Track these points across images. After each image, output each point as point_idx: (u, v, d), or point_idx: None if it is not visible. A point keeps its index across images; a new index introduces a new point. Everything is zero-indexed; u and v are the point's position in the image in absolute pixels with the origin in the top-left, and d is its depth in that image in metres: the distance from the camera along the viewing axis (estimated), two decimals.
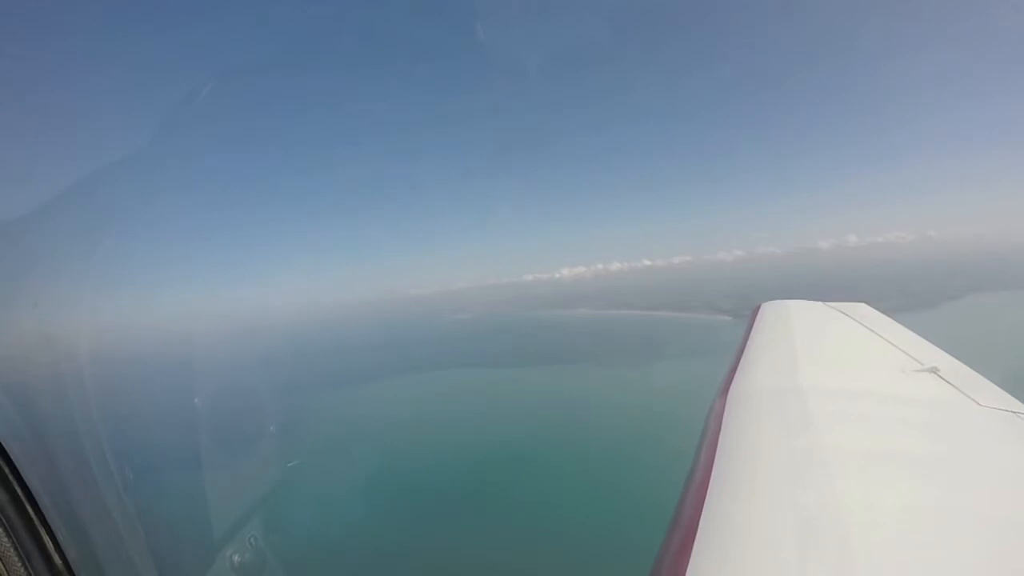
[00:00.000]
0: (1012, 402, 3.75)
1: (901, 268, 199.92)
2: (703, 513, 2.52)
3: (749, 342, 5.59)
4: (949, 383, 4.11)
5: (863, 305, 6.83)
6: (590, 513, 35.15)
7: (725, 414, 3.76)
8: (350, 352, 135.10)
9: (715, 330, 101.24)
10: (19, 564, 2.05)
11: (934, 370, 4.35)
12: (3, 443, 2.16)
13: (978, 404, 3.70)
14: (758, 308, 6.90)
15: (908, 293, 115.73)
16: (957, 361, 4.67)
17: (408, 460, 49.87)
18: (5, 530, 2.07)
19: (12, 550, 2.06)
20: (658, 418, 48.08)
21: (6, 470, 2.15)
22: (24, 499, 2.17)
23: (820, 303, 7.10)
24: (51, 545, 2.19)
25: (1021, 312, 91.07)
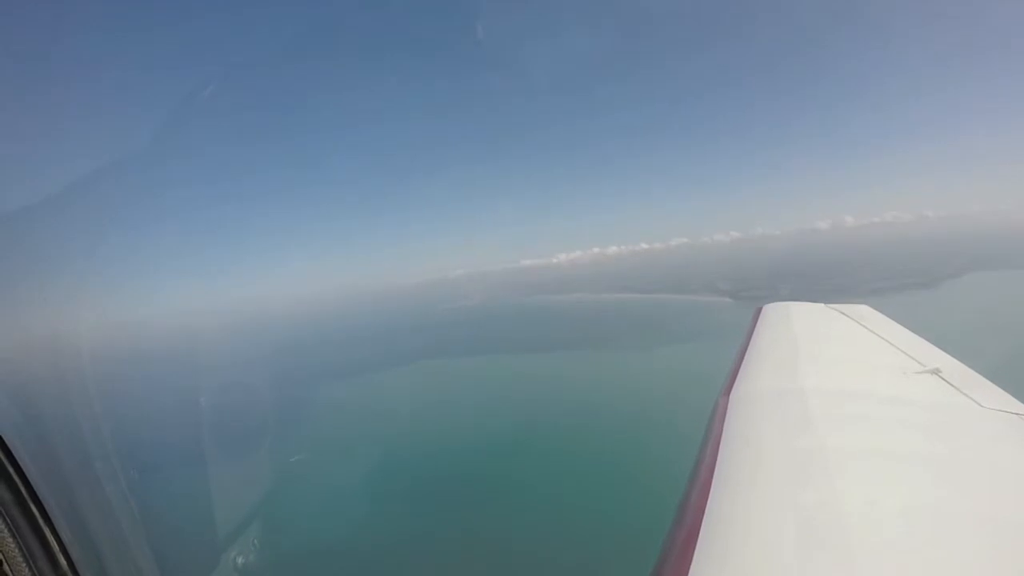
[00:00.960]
0: (1014, 403, 3.76)
1: (900, 248, 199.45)
2: (706, 512, 2.55)
3: (751, 343, 5.62)
4: (951, 384, 4.12)
5: (864, 306, 6.84)
6: (596, 505, 34.91)
7: (728, 415, 3.79)
8: (351, 343, 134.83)
9: (716, 312, 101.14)
10: (24, 565, 2.05)
11: (936, 371, 4.36)
12: (8, 443, 2.16)
13: (980, 406, 3.71)
14: (760, 310, 6.95)
15: (908, 272, 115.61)
16: (958, 362, 4.66)
17: (414, 451, 49.73)
18: (10, 531, 2.06)
19: (17, 551, 2.06)
20: (663, 404, 48.01)
21: (10, 470, 2.14)
22: (29, 499, 2.16)
23: (821, 305, 7.10)
24: (56, 545, 2.18)
25: (1022, 290, 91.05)
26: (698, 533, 2.39)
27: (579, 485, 38.43)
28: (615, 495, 35.33)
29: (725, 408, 3.90)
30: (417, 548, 32.62)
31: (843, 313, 6.57)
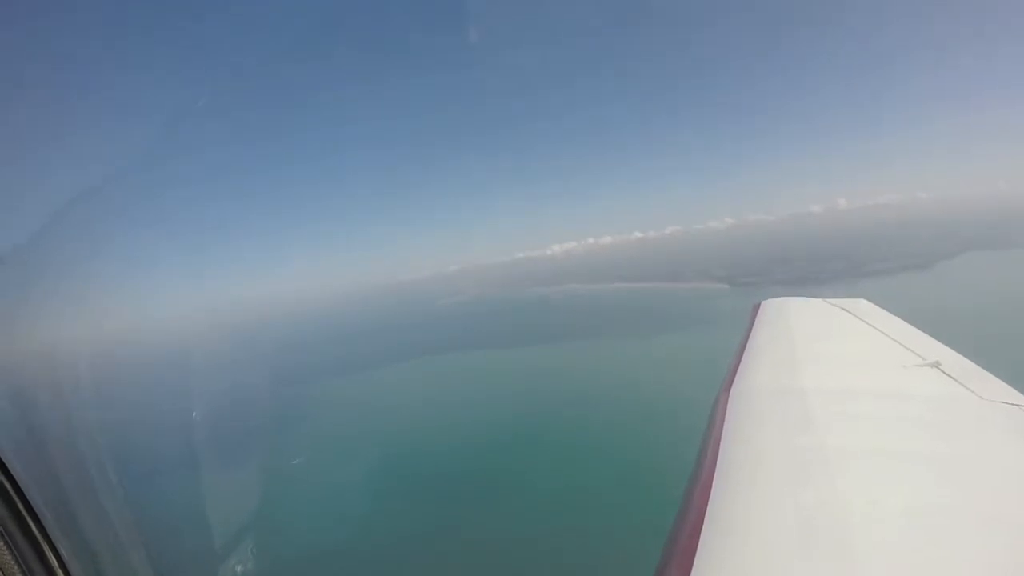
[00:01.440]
0: (1014, 395, 3.74)
1: (894, 230, 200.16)
2: (707, 510, 2.55)
3: (750, 340, 5.62)
4: (951, 377, 4.10)
5: (863, 301, 6.80)
6: (597, 500, 34.90)
7: (727, 412, 3.79)
8: (350, 341, 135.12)
9: (714, 299, 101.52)
10: None
11: (936, 364, 4.34)
12: (4, 457, 2.11)
13: (980, 398, 3.70)
14: (758, 306, 6.95)
15: (904, 254, 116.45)
16: (959, 355, 4.64)
17: (414, 448, 49.62)
18: (7, 545, 2.03)
19: (14, 566, 2.02)
20: (664, 395, 48.16)
21: (7, 485, 2.10)
22: (26, 514, 2.12)
23: (820, 300, 7.09)
24: (54, 561, 2.15)
25: (1016, 269, 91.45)
26: (700, 531, 2.40)
27: (579, 481, 38.38)
28: (615, 490, 35.34)
29: (725, 406, 3.91)
30: (417, 548, 32.55)
31: (841, 308, 6.58)
